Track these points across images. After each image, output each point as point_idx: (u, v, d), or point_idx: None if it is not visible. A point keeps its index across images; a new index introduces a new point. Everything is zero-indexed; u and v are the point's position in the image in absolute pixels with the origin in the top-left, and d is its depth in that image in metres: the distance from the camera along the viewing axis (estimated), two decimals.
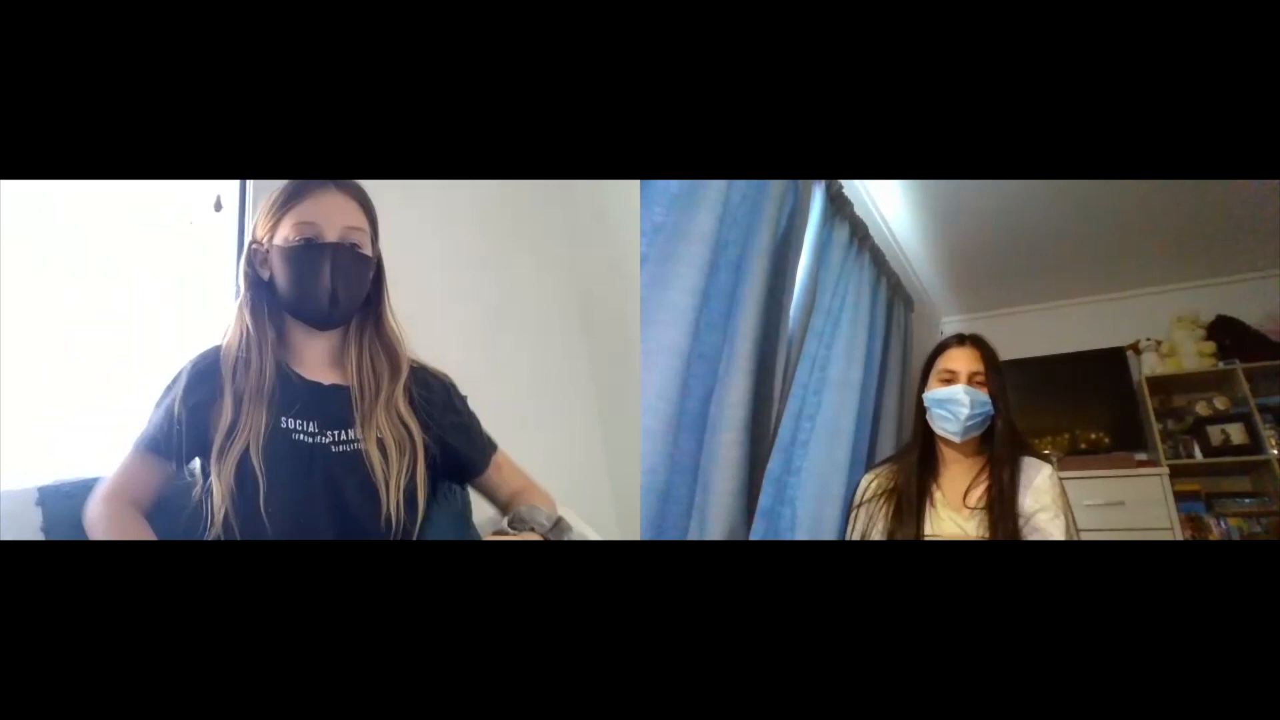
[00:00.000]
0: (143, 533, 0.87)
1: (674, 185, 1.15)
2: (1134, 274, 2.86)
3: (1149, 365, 2.74)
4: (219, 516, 0.84)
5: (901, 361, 2.19)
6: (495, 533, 0.95)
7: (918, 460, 1.21)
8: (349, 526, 0.88)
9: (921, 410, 1.22)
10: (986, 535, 1.10)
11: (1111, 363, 2.81)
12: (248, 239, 0.98)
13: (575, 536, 0.95)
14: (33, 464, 1.01)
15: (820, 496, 1.54)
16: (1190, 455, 2.53)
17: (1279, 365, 2.49)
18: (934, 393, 1.19)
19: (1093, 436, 2.73)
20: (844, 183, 1.79)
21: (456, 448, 1.01)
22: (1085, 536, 1.16)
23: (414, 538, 0.90)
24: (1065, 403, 2.80)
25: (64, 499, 0.91)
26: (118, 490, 0.88)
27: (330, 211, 0.93)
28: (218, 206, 1.34)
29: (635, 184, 1.19)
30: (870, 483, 1.26)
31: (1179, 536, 2.31)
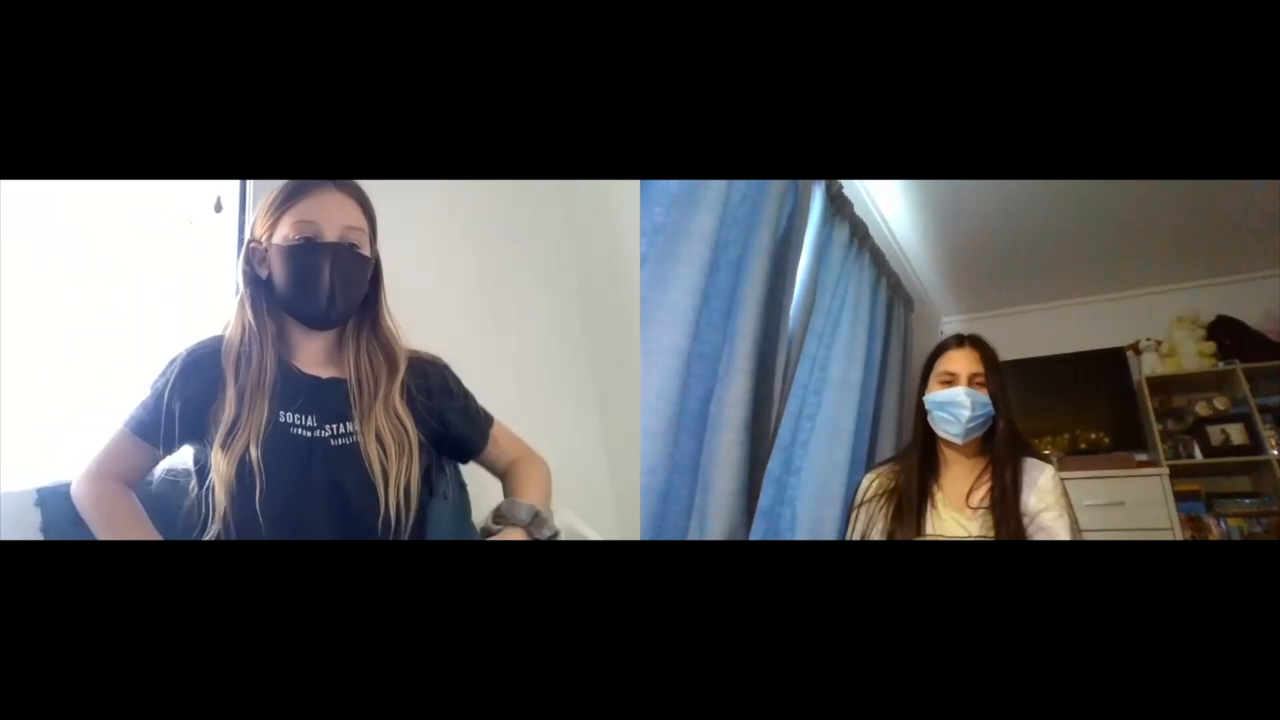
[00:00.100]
0: (131, 510, 0.88)
1: (674, 185, 1.15)
2: (1134, 274, 2.86)
3: (1149, 365, 2.74)
4: (220, 512, 0.84)
5: (901, 361, 2.19)
6: (481, 530, 0.95)
7: (919, 461, 1.21)
8: (349, 519, 0.89)
9: (922, 411, 1.22)
10: (990, 535, 1.10)
11: (1111, 363, 2.81)
12: (247, 237, 0.98)
13: (557, 527, 0.95)
14: (32, 464, 1.01)
15: (820, 496, 1.54)
16: (1190, 455, 2.53)
17: (1279, 365, 2.49)
18: (935, 395, 1.19)
19: (1093, 436, 2.73)
20: (844, 183, 1.79)
21: (458, 429, 1.03)
22: (1085, 537, 1.16)
23: (407, 536, 0.90)
24: (1065, 403, 2.80)
25: (64, 499, 0.91)
26: (105, 470, 0.90)
27: (330, 211, 0.93)
28: (218, 207, 1.34)
29: (635, 184, 1.19)
30: (871, 483, 1.26)
31: (1179, 536, 2.31)
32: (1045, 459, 1.19)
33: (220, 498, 0.85)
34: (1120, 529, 2.34)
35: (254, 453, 0.85)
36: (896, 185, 2.18)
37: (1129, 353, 2.83)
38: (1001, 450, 1.16)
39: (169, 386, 0.90)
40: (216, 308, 1.01)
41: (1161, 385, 2.69)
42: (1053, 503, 1.11)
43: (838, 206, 1.76)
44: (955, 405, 1.16)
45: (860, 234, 1.90)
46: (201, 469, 0.90)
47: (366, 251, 0.96)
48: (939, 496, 1.18)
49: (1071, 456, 2.67)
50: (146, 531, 0.88)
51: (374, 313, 0.99)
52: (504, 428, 1.09)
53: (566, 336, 1.79)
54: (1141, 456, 2.60)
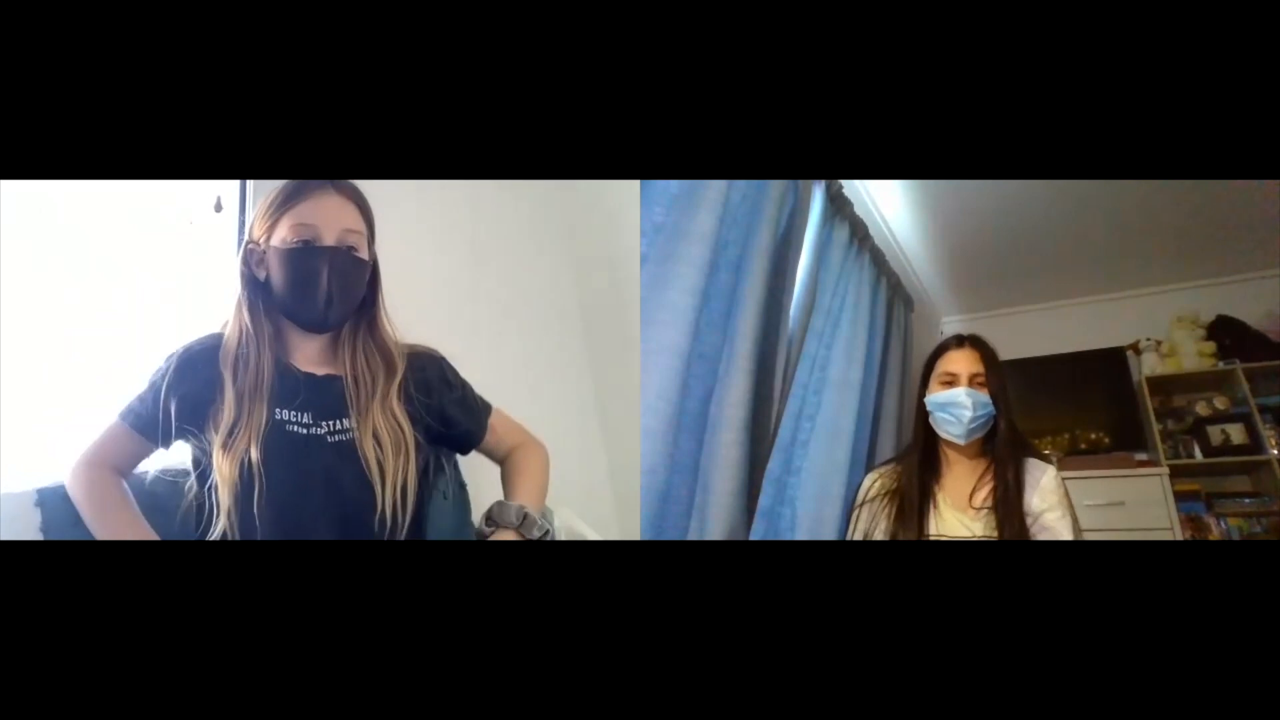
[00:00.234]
0: (121, 498, 0.89)
1: (674, 185, 1.15)
2: (1134, 274, 2.86)
3: (1149, 365, 2.74)
4: (224, 513, 0.84)
5: (901, 361, 2.19)
6: (475, 533, 0.96)
7: (920, 461, 1.21)
8: (346, 515, 0.89)
9: (923, 411, 1.22)
10: (993, 536, 1.10)
11: (1111, 363, 2.81)
12: (245, 238, 0.98)
13: (547, 525, 0.95)
14: (32, 464, 1.01)
15: (820, 496, 1.54)
16: (1190, 455, 2.53)
17: (1279, 365, 2.49)
18: (936, 396, 1.19)
19: (1093, 436, 2.73)
20: (844, 183, 1.79)
21: (458, 420, 1.03)
22: (1086, 536, 1.16)
23: (405, 535, 0.90)
24: (1065, 403, 2.80)
25: (64, 499, 0.91)
26: (98, 458, 0.91)
27: (328, 214, 0.93)
28: (218, 207, 1.34)
29: (635, 184, 1.19)
30: (874, 483, 1.26)
31: (1179, 536, 2.31)
32: (1046, 459, 1.19)
33: (224, 499, 0.85)
34: (1120, 529, 2.34)
35: (254, 454, 0.86)
36: (896, 185, 2.18)
37: (1129, 353, 2.82)
38: (1003, 450, 1.16)
39: (165, 381, 0.91)
40: (216, 308, 1.01)
41: (1161, 385, 2.69)
42: (1055, 503, 1.11)
43: (838, 206, 1.76)
44: (957, 406, 1.16)
45: (860, 234, 1.90)
46: (202, 471, 0.90)
47: (364, 255, 0.96)
48: (941, 497, 1.18)
49: (1071, 456, 2.67)
50: (134, 519, 0.89)
51: (371, 314, 0.99)
52: (502, 415, 1.10)
53: (566, 336, 1.79)
54: (1141, 456, 2.60)
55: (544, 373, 1.70)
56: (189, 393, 0.91)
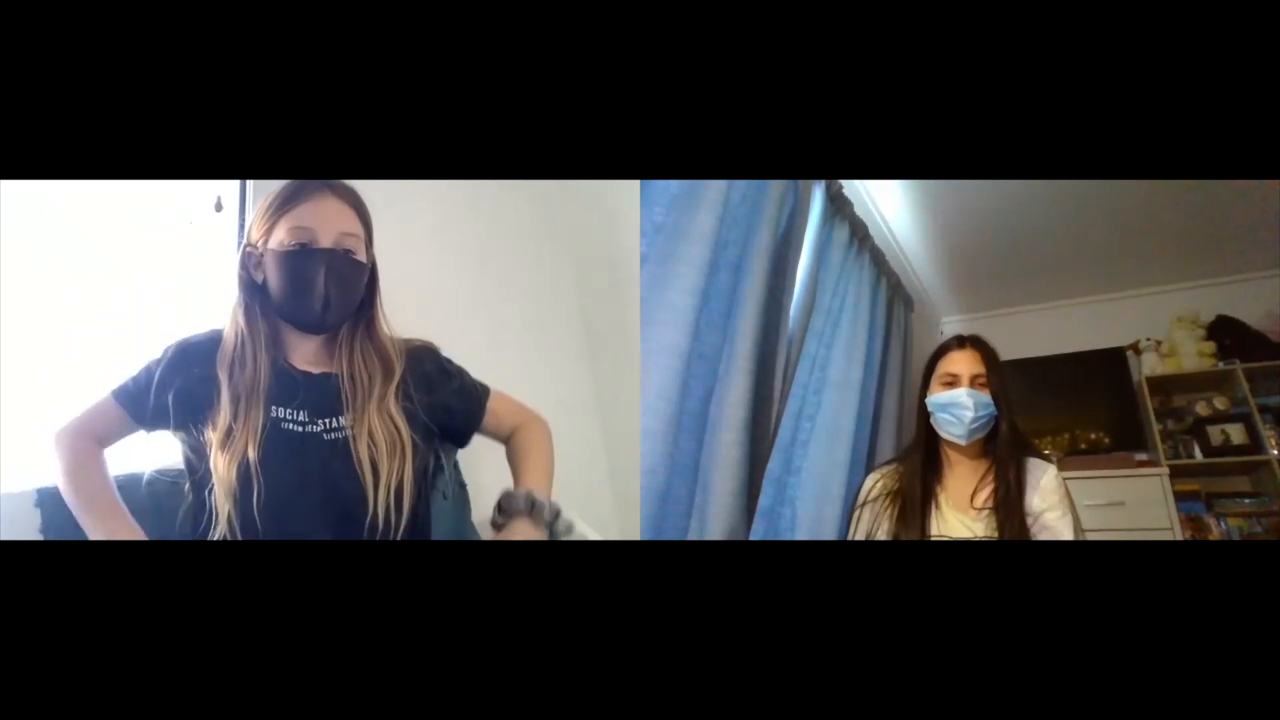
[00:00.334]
0: (97, 470, 0.91)
1: (674, 185, 1.15)
2: (1134, 274, 2.86)
3: (1149, 365, 2.74)
4: (223, 515, 0.85)
5: (901, 361, 2.19)
6: (491, 524, 0.96)
7: (921, 462, 1.21)
8: (345, 512, 0.89)
9: (924, 412, 1.22)
10: (995, 536, 1.10)
11: (1111, 363, 2.81)
12: (243, 240, 0.98)
13: (557, 506, 0.95)
14: (32, 464, 1.01)
15: (820, 496, 1.55)
16: (1190, 455, 2.53)
17: (1279, 365, 2.49)
18: (937, 397, 1.19)
19: (1093, 436, 2.73)
20: (844, 183, 1.79)
21: (457, 409, 1.04)
22: (1086, 536, 1.16)
23: (401, 537, 0.90)
24: (1065, 403, 2.80)
25: (63, 500, 0.91)
26: (84, 428, 0.93)
27: (325, 217, 0.93)
28: (218, 207, 1.34)
29: (635, 184, 1.19)
30: (875, 483, 1.26)
31: (1179, 536, 2.31)
32: (1047, 459, 1.19)
33: (223, 501, 0.85)
34: (1120, 529, 2.34)
35: (251, 455, 0.86)
36: (896, 185, 2.18)
37: (1129, 353, 2.82)
38: (1004, 450, 1.16)
39: (160, 368, 0.93)
40: (216, 308, 1.01)
41: (1161, 385, 2.69)
42: (1056, 502, 1.11)
43: (838, 206, 1.76)
44: (958, 406, 1.16)
45: (860, 234, 1.90)
46: (198, 475, 0.90)
47: (362, 257, 0.96)
48: (942, 497, 1.18)
49: (1071, 456, 2.67)
50: (106, 487, 0.91)
51: (369, 316, 0.99)
52: (502, 396, 1.09)
53: (567, 337, 1.79)
54: (1141, 456, 2.60)
55: (544, 373, 1.70)
56: (184, 384, 0.91)
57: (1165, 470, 2.40)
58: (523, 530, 0.91)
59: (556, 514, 0.94)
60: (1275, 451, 2.39)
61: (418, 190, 1.47)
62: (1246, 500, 2.52)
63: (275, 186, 0.96)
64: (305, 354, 0.97)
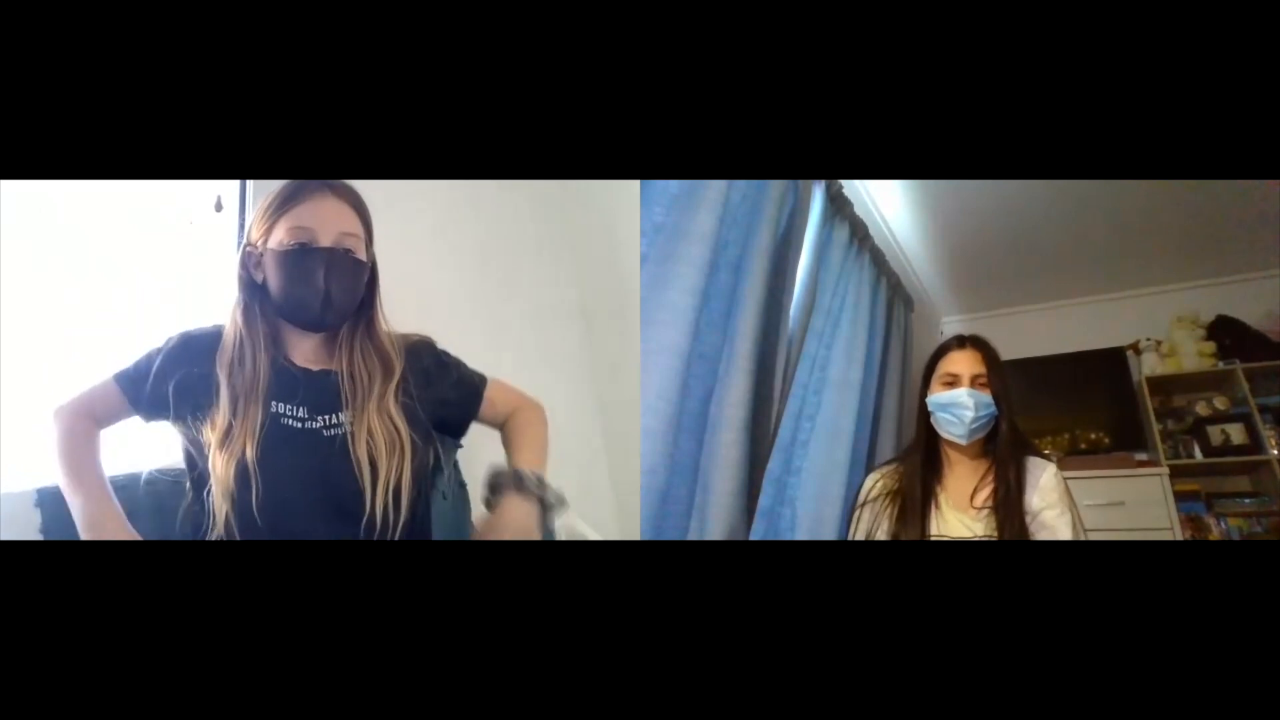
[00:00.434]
0: (89, 446, 0.92)
1: (674, 185, 1.15)
2: (1134, 274, 2.86)
3: (1149, 365, 2.74)
4: (220, 516, 0.85)
5: (901, 361, 2.19)
6: (484, 502, 0.96)
7: (922, 462, 1.21)
8: (343, 509, 0.89)
9: (924, 412, 1.22)
10: (995, 536, 1.10)
11: (1111, 363, 2.81)
12: (243, 240, 0.98)
13: (543, 482, 0.95)
14: (32, 464, 1.01)
15: (820, 496, 1.55)
16: (1190, 455, 2.53)
17: (1279, 365, 2.49)
18: (937, 397, 1.19)
19: (1093, 436, 2.73)
20: (844, 183, 1.79)
21: (455, 401, 1.04)
22: (1087, 534, 1.16)
23: (399, 536, 0.90)
24: (1065, 403, 2.80)
25: (62, 500, 0.91)
26: (83, 407, 0.93)
27: (325, 217, 0.93)
28: (218, 207, 1.34)
29: (635, 184, 1.20)
30: (875, 483, 1.26)
31: (1179, 536, 2.31)
32: (1047, 459, 1.19)
33: (219, 502, 0.85)
34: (1120, 529, 2.34)
35: (250, 455, 0.86)
36: (896, 185, 2.18)
37: (1129, 353, 2.82)
38: (1004, 450, 1.16)
39: (161, 358, 0.94)
40: (216, 308, 1.01)
41: (1161, 385, 2.69)
42: (1055, 500, 1.11)
43: (838, 206, 1.76)
44: (958, 406, 1.16)
45: (860, 234, 1.90)
46: (197, 472, 0.90)
47: (362, 256, 0.96)
48: (943, 497, 1.18)
49: (1071, 456, 2.67)
50: (94, 463, 0.91)
51: (368, 315, 0.99)
52: (498, 384, 1.10)
53: (567, 337, 1.79)
54: (1141, 456, 2.60)
55: (544, 373, 1.70)
56: (184, 376, 0.92)
57: (1165, 470, 2.40)
58: (513, 505, 0.91)
59: (542, 483, 0.95)
60: (1275, 451, 2.39)
61: (418, 190, 1.47)
62: (1246, 500, 2.52)
63: (275, 186, 0.96)
64: (305, 352, 0.97)
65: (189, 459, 0.92)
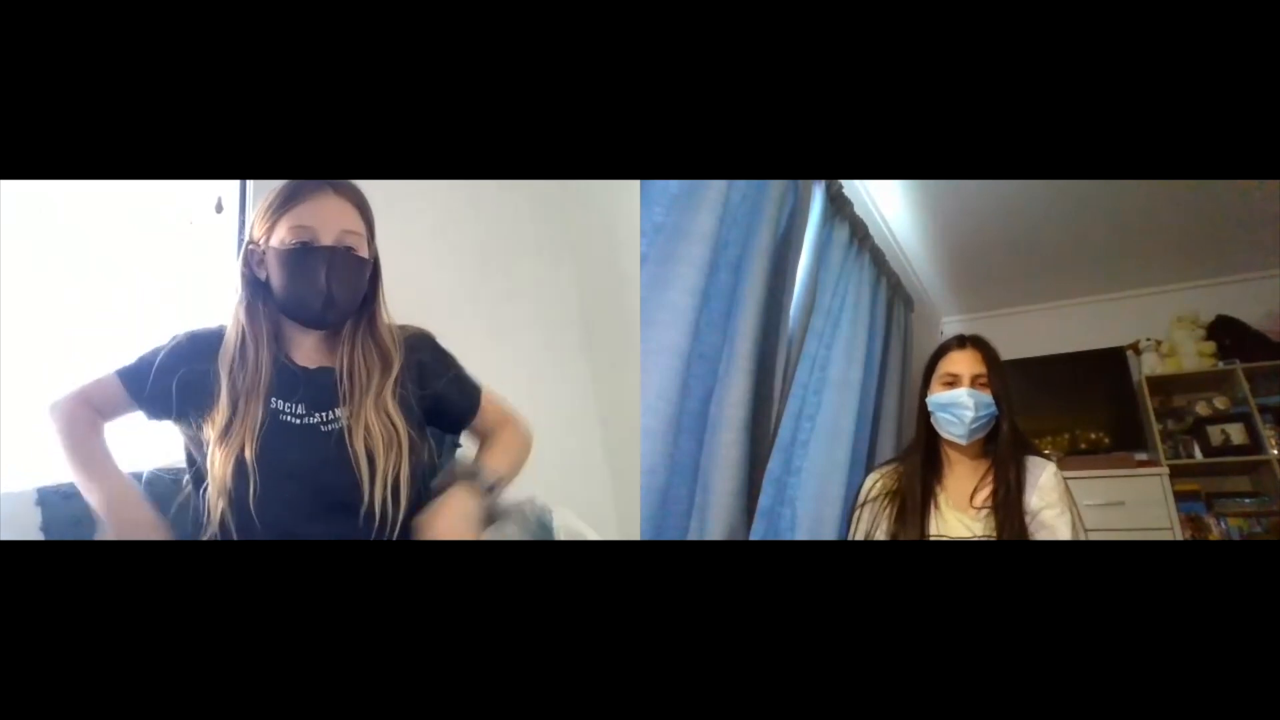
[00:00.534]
0: (95, 433, 0.92)
1: (674, 185, 1.15)
2: (1134, 274, 2.86)
3: (1149, 365, 2.73)
4: (216, 513, 0.85)
5: (901, 361, 2.19)
6: (435, 488, 0.96)
7: (922, 461, 1.21)
8: (342, 505, 0.89)
9: (924, 412, 1.22)
10: (994, 536, 1.10)
11: (1111, 363, 2.81)
12: (245, 239, 0.98)
13: (489, 479, 0.96)
14: (32, 464, 1.01)
15: (820, 496, 1.55)
16: (1190, 455, 2.53)
17: (1279, 365, 2.49)
18: (937, 396, 1.19)
19: (1093, 436, 2.73)
20: (844, 183, 1.79)
21: (454, 401, 1.04)
22: (1087, 534, 1.16)
23: (398, 534, 0.90)
24: (1065, 403, 2.79)
25: (63, 499, 0.91)
26: (86, 397, 0.93)
27: (327, 215, 0.93)
28: (218, 207, 1.35)
29: (635, 184, 1.20)
30: (875, 482, 1.26)
31: (1179, 536, 2.30)
32: (1046, 458, 1.19)
33: (215, 499, 0.85)
34: (1120, 529, 2.34)
35: (248, 453, 0.86)
36: (896, 185, 2.18)
37: (1129, 353, 2.82)
38: (1004, 451, 1.16)
39: (164, 354, 0.94)
40: (216, 308, 1.01)
41: (1161, 385, 2.69)
42: (1054, 500, 1.11)
43: (838, 206, 1.76)
44: (958, 406, 1.16)
45: (860, 234, 1.90)
46: (194, 469, 0.90)
47: (364, 254, 0.96)
48: (942, 497, 1.18)
49: (1071, 456, 2.66)
50: (102, 448, 0.91)
51: (370, 311, 0.99)
52: (491, 397, 1.10)
53: (567, 337, 1.79)
54: (1141, 456, 2.60)
55: (544, 373, 1.70)
56: (187, 372, 0.92)
57: (1165, 470, 2.40)
58: (457, 494, 0.92)
59: (493, 487, 0.96)
60: (1275, 451, 2.39)
61: (418, 190, 1.47)
62: (1246, 500, 2.52)
63: (275, 187, 0.96)
64: (307, 350, 0.98)
65: (190, 457, 0.92)
